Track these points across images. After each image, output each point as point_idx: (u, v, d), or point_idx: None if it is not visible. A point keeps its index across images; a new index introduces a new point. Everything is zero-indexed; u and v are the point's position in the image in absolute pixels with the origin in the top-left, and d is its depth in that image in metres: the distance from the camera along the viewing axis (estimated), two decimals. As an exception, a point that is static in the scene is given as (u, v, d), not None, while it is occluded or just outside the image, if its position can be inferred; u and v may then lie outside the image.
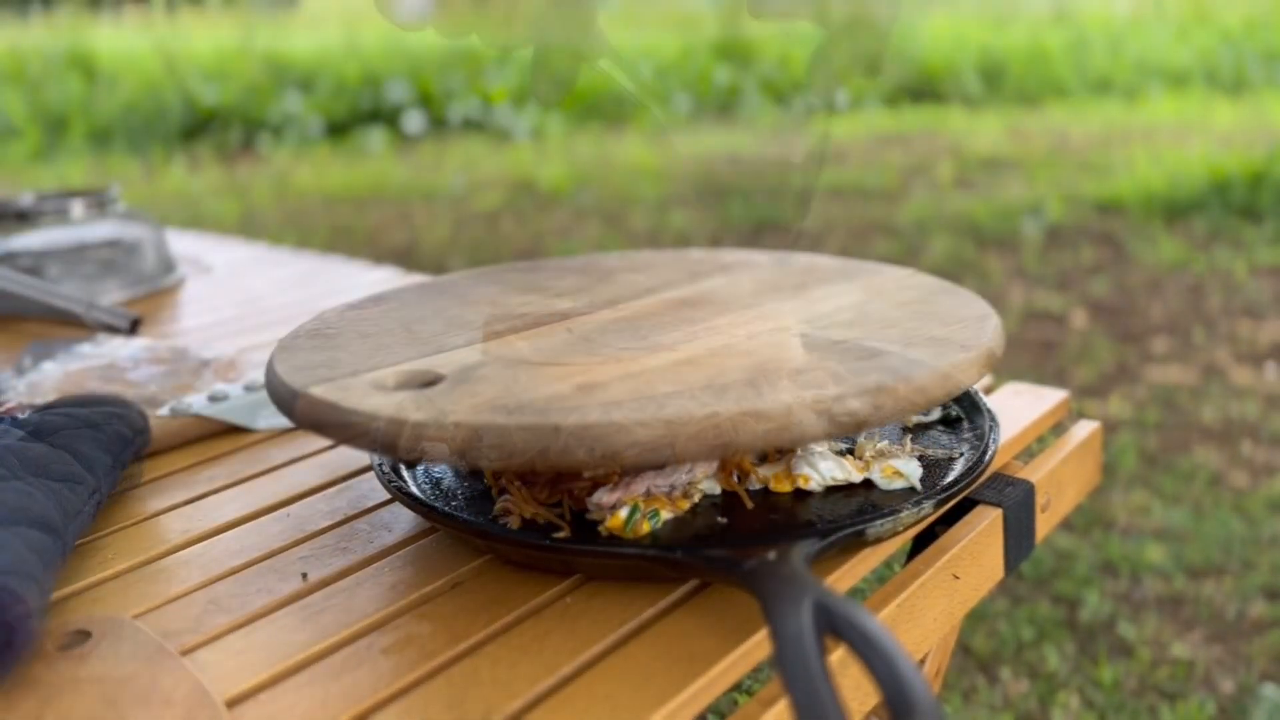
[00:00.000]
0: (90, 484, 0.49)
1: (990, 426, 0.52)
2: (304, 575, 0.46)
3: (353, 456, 0.58)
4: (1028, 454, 0.59)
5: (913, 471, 0.48)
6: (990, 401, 0.60)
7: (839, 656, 0.41)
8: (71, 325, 0.85)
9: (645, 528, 0.44)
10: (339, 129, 4.87)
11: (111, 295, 0.94)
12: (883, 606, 0.44)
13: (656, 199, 3.55)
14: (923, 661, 0.53)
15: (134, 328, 0.84)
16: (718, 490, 0.48)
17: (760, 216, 3.23)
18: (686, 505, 0.46)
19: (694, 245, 3.00)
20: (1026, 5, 7.33)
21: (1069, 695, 1.16)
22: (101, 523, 0.52)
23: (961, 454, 0.50)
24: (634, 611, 0.41)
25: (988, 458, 0.49)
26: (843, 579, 0.45)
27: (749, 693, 0.40)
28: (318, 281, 1.01)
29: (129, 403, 0.56)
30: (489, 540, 0.45)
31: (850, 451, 0.50)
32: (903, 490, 0.47)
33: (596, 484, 0.46)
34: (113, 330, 0.84)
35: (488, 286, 0.61)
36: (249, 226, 3.31)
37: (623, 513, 0.44)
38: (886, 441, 0.51)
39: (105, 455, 0.51)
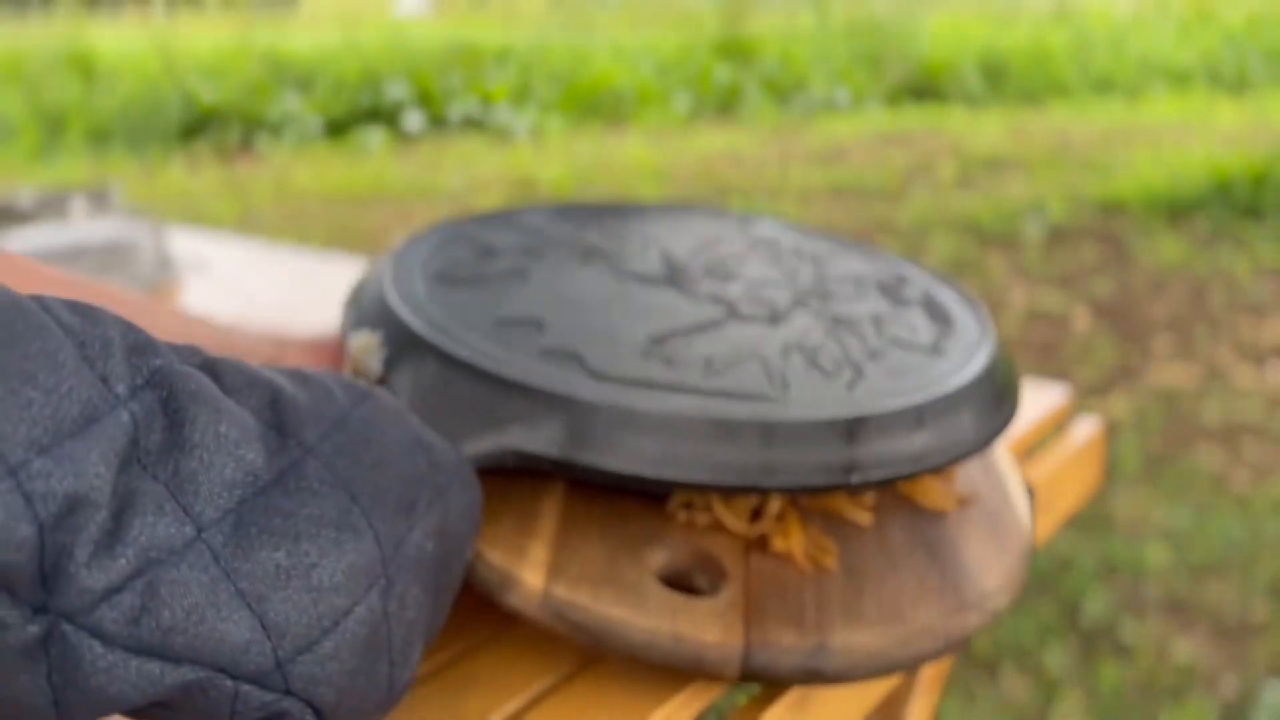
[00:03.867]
0: None
1: None
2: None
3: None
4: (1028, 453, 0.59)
5: None
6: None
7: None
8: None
9: None
10: (338, 128, 4.87)
11: (110, 294, 0.93)
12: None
13: (657, 198, 3.55)
14: (924, 662, 0.53)
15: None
16: None
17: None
18: None
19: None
20: (1028, 4, 7.33)
21: (1071, 697, 1.15)
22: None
23: None
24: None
25: None
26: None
27: (749, 694, 0.39)
28: (317, 281, 1.01)
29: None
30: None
31: None
32: None
33: None
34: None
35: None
36: (248, 226, 3.31)
37: None
38: None
39: None
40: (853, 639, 0.37)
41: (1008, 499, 0.46)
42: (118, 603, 0.24)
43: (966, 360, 0.43)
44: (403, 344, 0.41)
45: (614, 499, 0.41)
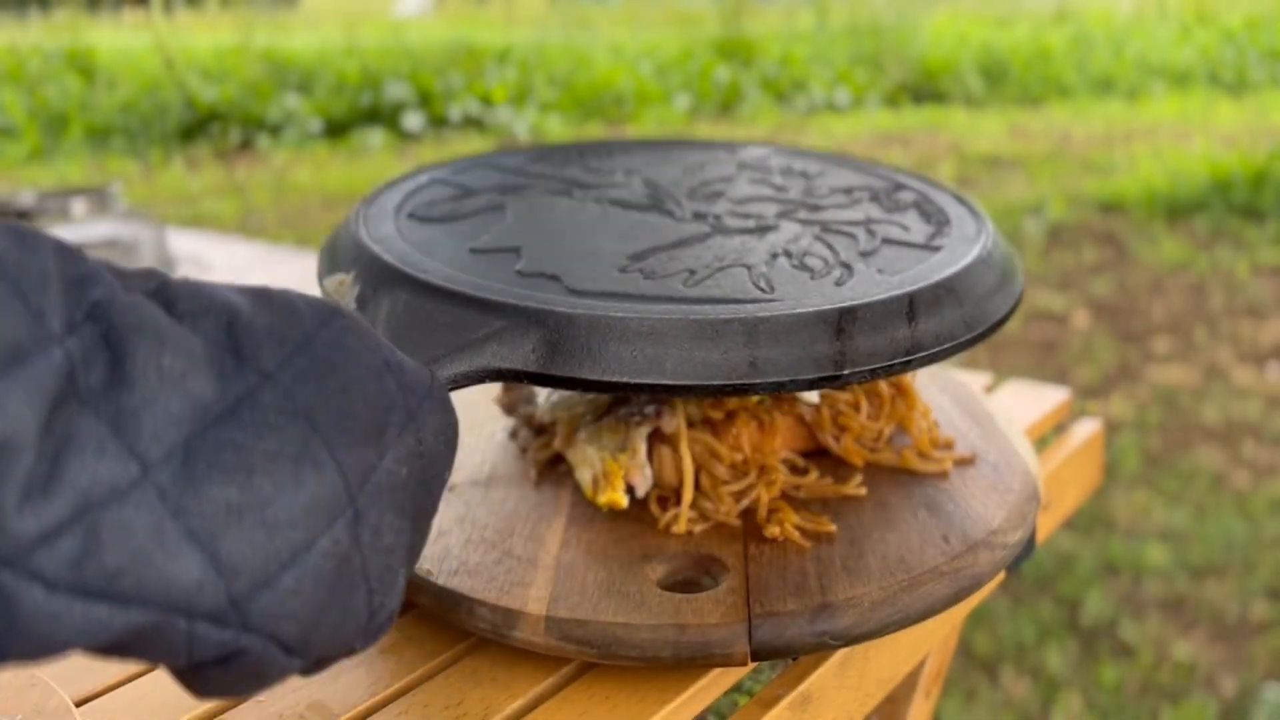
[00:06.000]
0: None
1: None
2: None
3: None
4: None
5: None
6: (991, 401, 0.60)
7: (837, 660, 0.40)
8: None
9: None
10: (338, 128, 4.87)
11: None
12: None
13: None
14: (924, 662, 0.53)
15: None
16: None
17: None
18: None
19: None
20: (1028, 4, 7.33)
21: (1071, 696, 1.15)
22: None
23: None
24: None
25: None
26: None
27: (749, 694, 0.39)
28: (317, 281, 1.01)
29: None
30: None
31: None
32: None
33: None
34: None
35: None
36: (248, 226, 3.31)
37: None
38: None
39: None
40: (857, 592, 0.37)
41: (1009, 452, 0.46)
42: (56, 547, 0.22)
43: (961, 252, 0.42)
44: (374, 278, 0.40)
45: (609, 530, 0.41)
